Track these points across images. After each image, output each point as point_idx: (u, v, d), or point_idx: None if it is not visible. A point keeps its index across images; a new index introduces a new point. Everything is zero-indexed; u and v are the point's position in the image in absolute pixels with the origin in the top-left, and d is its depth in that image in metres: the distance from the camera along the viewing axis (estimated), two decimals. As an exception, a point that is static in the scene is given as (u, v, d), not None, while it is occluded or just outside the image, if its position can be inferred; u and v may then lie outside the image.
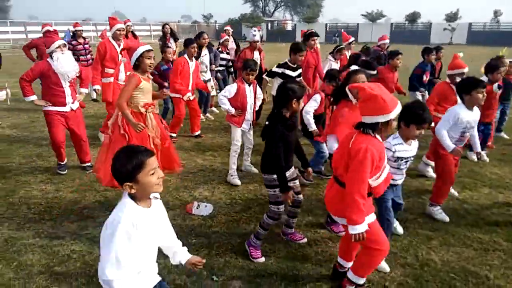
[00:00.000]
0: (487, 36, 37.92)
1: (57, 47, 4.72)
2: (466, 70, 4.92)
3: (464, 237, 3.76)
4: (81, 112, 5.18)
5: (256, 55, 7.48)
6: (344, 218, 2.64)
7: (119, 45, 6.24)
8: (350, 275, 2.88)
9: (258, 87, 4.98)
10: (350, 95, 3.25)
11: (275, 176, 3.16)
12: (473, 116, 3.93)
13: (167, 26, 9.93)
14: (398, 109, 2.53)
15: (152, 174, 1.90)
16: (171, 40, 9.61)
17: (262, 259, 3.36)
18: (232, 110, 4.77)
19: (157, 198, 2.07)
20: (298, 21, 55.50)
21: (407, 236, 3.74)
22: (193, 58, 6.32)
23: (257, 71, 7.57)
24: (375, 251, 2.69)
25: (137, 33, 12.45)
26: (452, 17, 44.94)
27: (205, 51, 7.44)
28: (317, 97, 4.61)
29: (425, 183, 4.99)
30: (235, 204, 4.39)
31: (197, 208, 4.19)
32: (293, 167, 3.40)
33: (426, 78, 7.38)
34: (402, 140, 3.14)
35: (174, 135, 6.47)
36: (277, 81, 5.95)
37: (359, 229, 2.51)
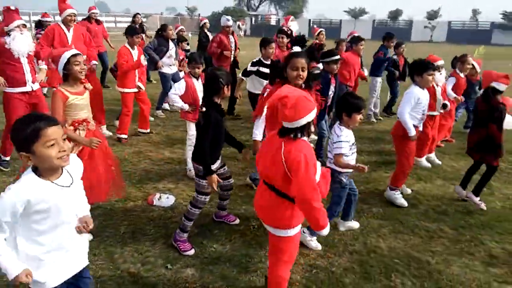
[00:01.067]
0: (465, 34, 38.67)
1: (16, 26, 4.71)
2: (442, 62, 5.30)
3: (413, 225, 3.94)
4: (42, 94, 5.07)
5: (232, 39, 7.75)
6: (278, 229, 2.50)
7: (69, 30, 5.97)
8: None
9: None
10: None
11: (212, 166, 3.26)
12: (426, 95, 4.27)
13: (138, 15, 9.91)
14: (315, 111, 2.37)
15: (51, 145, 1.76)
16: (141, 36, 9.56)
17: (192, 251, 3.37)
18: (186, 107, 4.76)
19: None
20: (282, 15, 55.50)
21: (359, 225, 3.89)
22: (135, 48, 6.16)
23: (232, 59, 7.69)
24: (283, 263, 2.60)
25: (119, 25, 12.22)
26: (432, 15, 45.64)
27: (171, 44, 7.46)
28: None
29: (382, 174, 5.17)
30: (197, 195, 4.48)
31: (159, 200, 4.26)
32: (220, 156, 3.47)
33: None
34: (347, 129, 3.39)
35: (125, 136, 6.24)
36: (253, 80, 6.04)
37: (326, 231, 2.39)
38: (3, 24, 4.80)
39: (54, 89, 3.36)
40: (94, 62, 6.26)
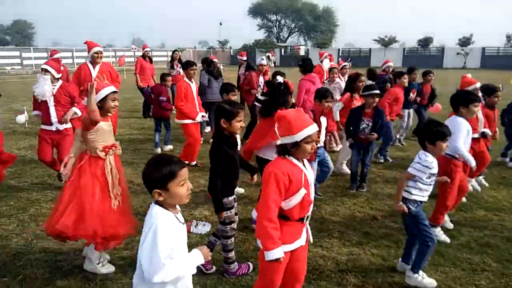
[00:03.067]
0: (500, 60, 37.76)
1: (41, 70, 5.24)
2: (478, 85, 5.24)
3: (454, 257, 3.82)
4: (71, 134, 5.33)
5: (261, 78, 8.39)
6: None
7: (94, 68, 6.33)
8: None
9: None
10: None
11: (229, 198, 3.33)
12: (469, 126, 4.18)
13: (176, 52, 10.44)
14: (307, 131, 2.40)
15: (182, 185, 2.00)
16: (179, 66, 10.09)
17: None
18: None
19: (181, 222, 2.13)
20: (311, 46, 56.36)
21: (396, 256, 3.81)
22: (193, 80, 6.53)
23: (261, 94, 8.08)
24: (260, 284, 2.66)
25: (155, 59, 12.99)
26: (465, 42, 45.02)
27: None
28: None
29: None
30: (233, 223, 4.55)
31: (195, 227, 4.36)
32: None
33: (412, 95, 7.73)
34: (432, 157, 3.31)
35: (193, 163, 6.59)
36: None
37: (272, 255, 2.35)
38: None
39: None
40: None
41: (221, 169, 3.20)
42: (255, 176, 3.68)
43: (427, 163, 3.28)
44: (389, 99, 6.81)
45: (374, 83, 7.83)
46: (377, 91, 5.34)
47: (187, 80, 6.46)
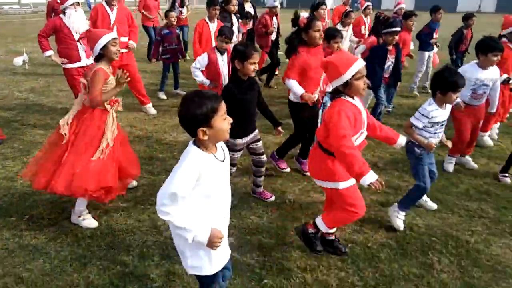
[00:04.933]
0: (518, 3, 35.92)
1: (70, 4, 5.09)
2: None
3: (452, 204, 3.87)
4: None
5: (275, 21, 7.89)
6: (324, 181, 2.80)
7: (112, 10, 5.84)
8: (318, 221, 2.97)
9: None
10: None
11: (237, 140, 3.46)
12: (486, 74, 4.16)
13: None
14: (354, 68, 2.51)
15: (225, 119, 1.93)
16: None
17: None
18: (207, 82, 4.73)
19: None
20: (319, -14, 53.57)
21: (394, 202, 3.86)
22: (215, 20, 6.05)
23: (276, 37, 7.72)
24: (350, 213, 2.79)
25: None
26: (482, -17, 42.57)
27: (234, 19, 7.11)
28: None
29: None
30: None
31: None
32: (256, 130, 3.60)
33: (436, 35, 7.40)
34: (437, 106, 3.25)
35: None
36: None
37: (369, 178, 2.44)
38: (58, 4, 5.11)
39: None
40: (132, 42, 6.01)
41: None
42: (280, 128, 3.73)
43: (425, 111, 3.25)
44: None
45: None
46: (398, 28, 5.29)
47: (207, 20, 6.00)
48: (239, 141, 3.48)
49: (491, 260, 3.09)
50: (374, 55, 5.38)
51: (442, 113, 3.28)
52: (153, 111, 6.47)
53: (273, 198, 3.93)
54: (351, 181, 2.76)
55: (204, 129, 1.86)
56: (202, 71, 4.70)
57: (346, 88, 2.58)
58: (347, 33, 7.26)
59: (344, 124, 2.48)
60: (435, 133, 3.33)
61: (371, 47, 5.69)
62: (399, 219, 3.44)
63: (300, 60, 3.88)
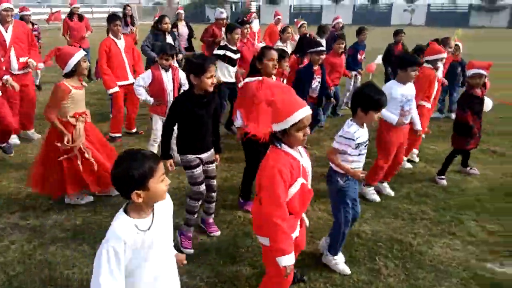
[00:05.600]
0: (444, 17, 39.05)
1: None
2: (444, 55, 5.01)
3: (395, 208, 4.03)
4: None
5: (223, 31, 7.49)
6: (263, 237, 2.38)
7: (6, 29, 5.23)
8: None
9: (181, 72, 4.78)
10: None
11: (189, 156, 3.19)
12: (407, 90, 4.08)
13: (128, 7, 9.52)
14: (295, 116, 2.13)
15: (163, 180, 1.80)
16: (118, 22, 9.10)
17: (191, 251, 3.28)
18: (151, 100, 4.58)
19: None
20: (262, 2, 55.03)
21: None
22: (121, 36, 5.70)
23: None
24: (270, 279, 2.48)
25: (96, 15, 11.82)
26: (412, -2, 45.91)
27: (169, 38, 6.97)
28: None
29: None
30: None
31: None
32: (211, 151, 3.33)
33: (360, 57, 7.65)
34: (357, 126, 2.93)
35: (119, 135, 5.95)
36: (221, 67, 5.75)
37: (288, 261, 2.18)
38: None
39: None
40: (31, 61, 5.49)
41: (172, 121, 3.14)
42: (218, 157, 3.45)
43: (349, 134, 2.91)
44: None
45: (323, 39, 7.78)
46: (323, 48, 5.28)
47: (112, 37, 5.63)
48: (191, 156, 3.18)
49: (433, 261, 3.23)
50: (301, 75, 5.26)
51: (363, 133, 2.97)
52: (35, 136, 5.94)
53: (218, 233, 3.57)
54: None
55: (139, 192, 1.73)
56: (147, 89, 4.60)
57: (284, 137, 2.21)
58: (287, 48, 7.41)
59: (279, 191, 2.14)
60: (359, 154, 2.97)
61: (298, 69, 5.57)
62: (339, 264, 3.11)
63: (249, 93, 3.49)
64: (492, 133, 6.19)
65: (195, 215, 3.36)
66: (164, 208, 1.95)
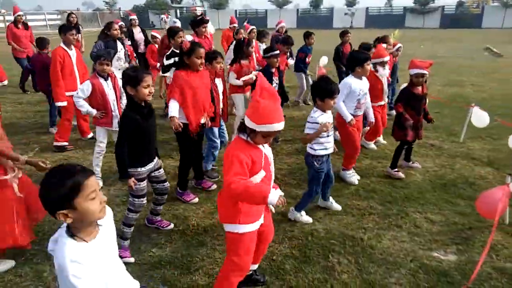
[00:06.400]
0: (382, 19, 41.16)
1: None
2: (387, 58, 5.52)
3: (345, 205, 4.14)
4: None
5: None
6: (226, 223, 2.54)
7: None
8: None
9: (118, 80, 4.67)
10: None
11: (139, 169, 3.19)
12: (363, 84, 4.50)
13: (73, 15, 8.92)
14: (270, 127, 2.27)
15: (93, 198, 1.61)
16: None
17: (131, 259, 3.26)
18: (93, 111, 4.45)
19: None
20: (208, 7, 54.91)
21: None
22: (72, 47, 5.68)
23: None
24: (232, 264, 2.55)
25: (31, 23, 11.26)
26: (351, 2, 47.88)
27: (119, 45, 6.69)
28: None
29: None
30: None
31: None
32: (156, 158, 3.38)
33: (308, 60, 7.97)
34: (321, 112, 3.57)
35: (64, 143, 5.79)
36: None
37: (275, 197, 2.21)
38: None
39: None
40: None
41: (125, 136, 3.06)
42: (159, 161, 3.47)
43: (313, 119, 3.57)
44: None
45: (262, 44, 7.93)
46: (277, 52, 5.58)
47: (64, 47, 5.58)
48: (142, 169, 3.20)
49: (383, 254, 3.35)
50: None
51: (326, 117, 3.59)
52: None
53: (171, 226, 3.76)
54: (253, 226, 2.53)
55: (65, 211, 1.58)
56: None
57: (251, 134, 2.34)
58: None
59: (236, 170, 2.26)
60: (328, 136, 3.63)
61: (262, 69, 5.87)
62: (303, 216, 3.86)
63: (182, 78, 3.90)
64: (432, 128, 6.57)
65: (132, 228, 3.36)
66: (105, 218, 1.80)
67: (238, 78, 5.47)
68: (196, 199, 4.27)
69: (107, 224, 1.81)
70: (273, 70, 5.56)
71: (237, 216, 2.47)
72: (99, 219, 1.70)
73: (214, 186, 4.56)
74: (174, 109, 3.92)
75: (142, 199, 3.26)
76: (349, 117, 4.37)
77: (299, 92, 8.43)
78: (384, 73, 5.41)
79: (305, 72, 8.11)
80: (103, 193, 1.73)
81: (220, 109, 4.58)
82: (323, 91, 3.51)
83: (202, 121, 4.13)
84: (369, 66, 4.49)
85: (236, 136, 2.44)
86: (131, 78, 3.01)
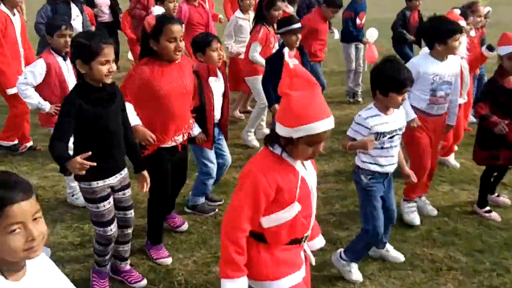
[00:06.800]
0: None
1: None
2: (464, 23, 3.84)
3: (411, 255, 2.95)
4: None
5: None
6: (250, 279, 1.77)
7: None
8: None
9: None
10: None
11: (94, 184, 2.28)
12: (443, 68, 3.10)
13: None
14: (310, 128, 1.55)
15: (14, 230, 1.16)
16: None
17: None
18: (47, 105, 3.26)
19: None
20: None
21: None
22: (16, 12, 4.35)
23: None
24: None
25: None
26: None
27: (75, 10, 5.11)
28: None
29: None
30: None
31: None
32: (125, 170, 2.45)
33: (360, 21, 5.94)
34: (379, 111, 2.52)
35: (29, 144, 4.60)
36: None
37: (232, 286, 1.64)
38: None
39: None
40: None
41: (66, 127, 2.20)
42: (146, 174, 2.53)
43: (360, 119, 2.51)
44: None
45: (292, 9, 6.04)
46: (298, 25, 3.94)
47: (6, 11, 4.16)
48: (96, 184, 2.29)
49: None
50: (272, 65, 3.82)
51: (385, 121, 2.50)
52: None
53: (143, 283, 2.65)
54: (293, 278, 1.75)
55: None
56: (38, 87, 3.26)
57: (288, 145, 1.62)
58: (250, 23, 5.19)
59: (247, 207, 1.61)
60: (382, 148, 2.54)
61: (268, 57, 4.23)
62: (352, 272, 2.68)
63: (142, 76, 2.57)
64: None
65: (109, 255, 2.53)
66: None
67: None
68: (169, 260, 2.88)
69: (41, 269, 1.30)
70: (292, 52, 3.82)
71: (259, 271, 1.72)
72: (24, 259, 1.23)
73: (185, 226, 3.22)
74: (132, 114, 2.63)
75: (106, 227, 2.37)
76: (411, 114, 3.03)
77: (347, 78, 6.22)
78: (461, 50, 3.74)
79: (359, 40, 5.96)
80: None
81: (214, 124, 3.22)
82: (389, 80, 2.43)
83: (179, 140, 2.79)
84: (457, 43, 3.04)
85: (264, 148, 1.71)
86: (83, 49, 2.16)
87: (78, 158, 2.01)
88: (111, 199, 2.39)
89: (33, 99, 3.23)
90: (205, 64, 3.14)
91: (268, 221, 1.67)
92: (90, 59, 2.14)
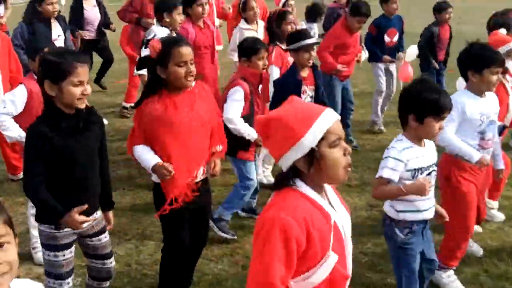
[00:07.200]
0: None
1: None
2: None
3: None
4: None
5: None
6: None
7: None
8: None
9: None
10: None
11: (53, 227, 1.99)
12: (487, 105, 2.69)
13: None
14: (319, 126, 1.30)
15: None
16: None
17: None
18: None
19: None
20: None
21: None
22: None
23: None
24: None
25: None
26: None
27: (57, 27, 4.60)
28: (237, 93, 3.05)
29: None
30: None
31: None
32: (99, 212, 2.18)
33: (390, 39, 5.17)
34: (411, 142, 2.16)
35: None
36: None
37: None
38: None
39: None
40: None
41: (32, 159, 1.94)
42: (110, 215, 2.29)
43: (395, 153, 2.12)
44: (328, 46, 4.57)
45: (315, 24, 5.78)
46: (311, 40, 3.57)
47: None
48: (61, 231, 2.01)
49: None
50: (281, 87, 3.50)
51: (420, 153, 2.16)
52: None
53: None
54: None
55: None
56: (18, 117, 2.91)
57: (312, 166, 1.31)
58: (257, 34, 4.90)
59: (277, 261, 1.26)
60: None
61: (277, 78, 3.90)
62: None
63: (154, 114, 2.26)
64: None
65: None
66: None
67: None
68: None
69: None
70: (305, 73, 3.51)
71: None
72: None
73: None
74: (146, 153, 2.30)
75: (64, 280, 2.07)
76: (475, 155, 2.57)
77: (375, 102, 5.36)
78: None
79: (385, 59, 5.15)
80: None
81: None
82: (425, 102, 2.06)
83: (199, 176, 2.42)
84: (494, 77, 2.60)
85: (275, 193, 1.37)
86: (53, 67, 1.89)
87: (77, 215, 1.86)
88: (73, 248, 2.12)
89: (12, 131, 2.84)
90: (257, 71, 3.10)
91: (303, 284, 1.31)
92: (60, 79, 1.87)
